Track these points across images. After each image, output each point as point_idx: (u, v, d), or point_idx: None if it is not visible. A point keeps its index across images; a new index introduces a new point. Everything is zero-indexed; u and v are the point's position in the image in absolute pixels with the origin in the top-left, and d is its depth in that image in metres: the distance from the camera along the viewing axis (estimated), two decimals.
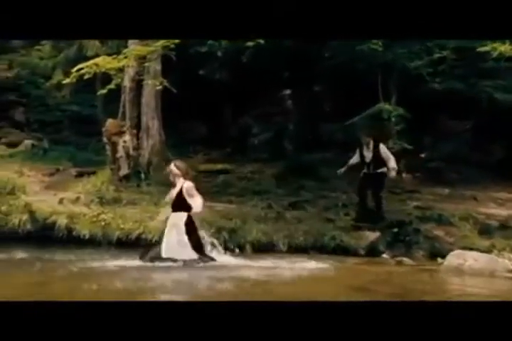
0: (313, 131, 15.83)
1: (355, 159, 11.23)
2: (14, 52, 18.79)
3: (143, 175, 11.47)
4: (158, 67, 10.81)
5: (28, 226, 10.34)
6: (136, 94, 12.17)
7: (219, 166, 14.45)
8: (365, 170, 11.00)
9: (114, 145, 11.65)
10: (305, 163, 13.63)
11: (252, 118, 18.18)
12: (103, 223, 10.06)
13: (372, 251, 10.01)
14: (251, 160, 15.42)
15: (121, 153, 11.62)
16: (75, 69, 9.59)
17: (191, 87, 15.39)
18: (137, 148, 11.97)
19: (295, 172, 13.07)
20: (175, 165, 8.71)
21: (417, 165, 15.15)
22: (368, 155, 10.95)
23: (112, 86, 10.03)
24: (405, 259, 9.22)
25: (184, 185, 8.46)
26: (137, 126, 12.21)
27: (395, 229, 10.61)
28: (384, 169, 10.84)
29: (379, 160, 10.86)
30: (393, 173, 10.81)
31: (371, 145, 10.93)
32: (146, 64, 10.43)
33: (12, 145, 16.56)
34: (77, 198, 11.00)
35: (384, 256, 9.86)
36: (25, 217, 10.40)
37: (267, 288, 6.34)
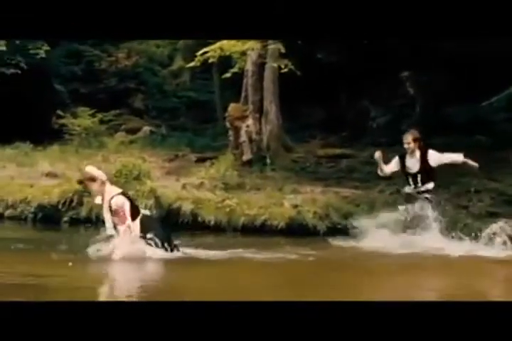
0: (435, 113, 15.17)
1: (392, 167, 9.12)
2: (132, 41, 19.11)
3: (268, 160, 11.29)
4: (282, 50, 10.56)
5: (154, 212, 10.38)
6: (258, 77, 12.01)
7: (338, 151, 14.11)
8: (408, 189, 9.00)
9: (237, 130, 11.56)
10: (429, 147, 13.01)
11: (370, 102, 17.68)
12: (228, 209, 9.94)
13: None
14: (370, 144, 14.95)
15: (243, 137, 11.52)
16: (200, 53, 9.55)
17: (308, 70, 15.10)
18: (259, 132, 11.82)
19: None
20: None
21: None
22: (413, 165, 8.89)
23: (235, 69, 9.95)
24: None
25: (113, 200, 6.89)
26: (259, 110, 12.05)
27: None
28: (431, 185, 8.92)
29: (428, 173, 8.87)
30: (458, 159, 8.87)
31: (417, 153, 8.88)
32: (271, 46, 10.21)
33: (132, 131, 16.91)
34: (201, 183, 10.96)
35: None
36: (150, 202, 10.45)
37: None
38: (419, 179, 8.86)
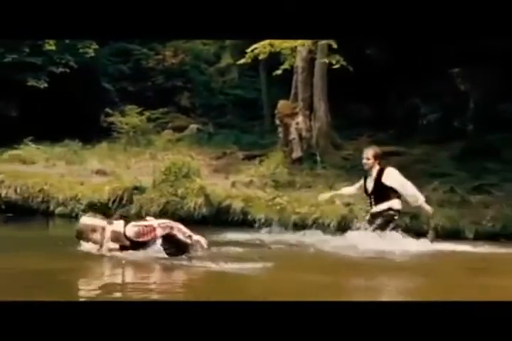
0: (489, 109, 14.81)
1: (351, 189, 8.53)
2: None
3: (318, 158, 11.12)
4: (334, 45, 10.37)
5: (204, 210, 10.33)
6: (308, 74, 11.84)
7: (389, 148, 13.82)
8: (370, 210, 8.11)
9: (287, 127, 11.43)
10: (484, 144, 12.72)
11: (419, 98, 17.37)
12: (278, 207, 9.82)
13: None
14: (419, 141, 14.70)
15: (293, 135, 11.38)
16: (250, 49, 9.46)
17: (357, 66, 14.91)
18: (310, 130, 11.66)
19: (474, 154, 12.23)
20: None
21: None
22: (369, 185, 8.02)
23: (286, 66, 9.82)
24: None
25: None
26: (309, 107, 11.88)
27: None
28: (387, 205, 7.96)
29: (382, 193, 7.94)
30: (415, 200, 8.09)
31: (374, 172, 7.97)
32: (321, 42, 10.04)
33: (179, 129, 16.92)
34: (250, 181, 10.88)
35: None
36: (200, 200, 10.39)
37: None
38: (372, 200, 8.02)
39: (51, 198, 11.28)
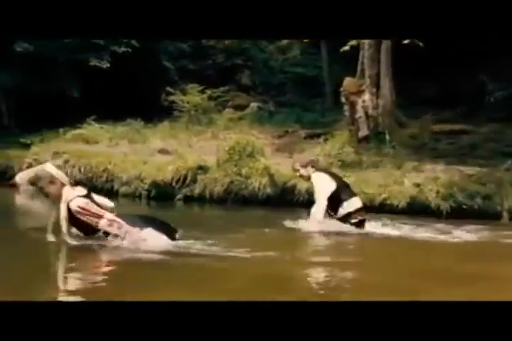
0: None
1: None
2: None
3: (387, 137, 10.81)
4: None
5: (268, 190, 10.20)
6: (375, 50, 11.48)
7: (456, 127, 13.43)
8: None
9: (353, 105, 11.13)
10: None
11: (486, 75, 16.80)
12: None
13: None
14: (486, 119, 14.21)
15: (360, 113, 11.08)
16: None
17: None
18: (376, 107, 11.34)
19: None
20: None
21: None
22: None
23: (353, 42, 9.50)
24: None
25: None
26: (376, 84, 11.54)
27: None
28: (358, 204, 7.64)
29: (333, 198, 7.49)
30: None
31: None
32: None
33: (239, 108, 16.75)
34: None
35: None
36: (264, 180, 10.27)
37: None
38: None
39: (115, 177, 11.31)
